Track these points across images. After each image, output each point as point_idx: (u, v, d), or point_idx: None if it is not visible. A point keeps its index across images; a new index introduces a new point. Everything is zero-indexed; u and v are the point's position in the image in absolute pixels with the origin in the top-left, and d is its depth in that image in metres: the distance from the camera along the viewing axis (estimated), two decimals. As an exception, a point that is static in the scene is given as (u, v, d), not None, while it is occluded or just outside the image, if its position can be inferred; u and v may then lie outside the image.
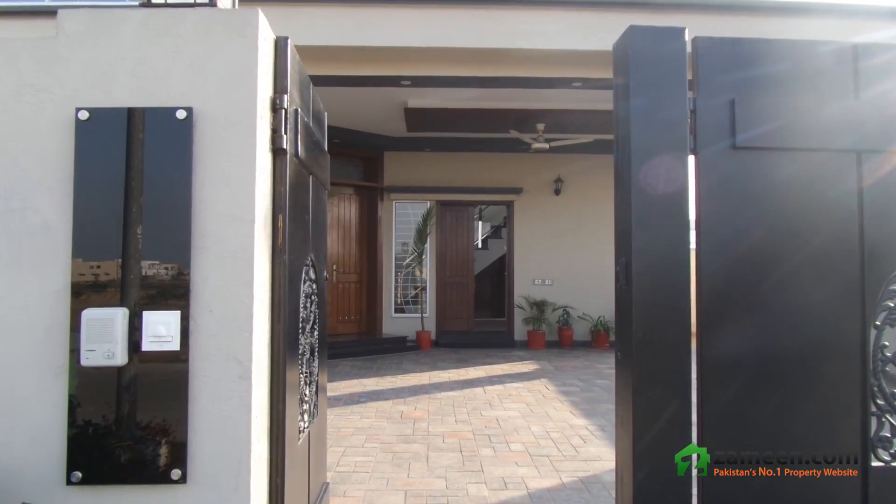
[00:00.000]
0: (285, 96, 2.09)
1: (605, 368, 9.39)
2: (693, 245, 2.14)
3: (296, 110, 2.19)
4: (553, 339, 11.94)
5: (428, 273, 12.18)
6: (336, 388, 7.84)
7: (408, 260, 12.14)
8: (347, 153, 11.84)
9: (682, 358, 2.05)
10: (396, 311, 12.14)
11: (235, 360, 1.86)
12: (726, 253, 2.11)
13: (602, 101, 9.05)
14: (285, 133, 2.08)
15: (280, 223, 2.08)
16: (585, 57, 7.27)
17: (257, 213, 1.91)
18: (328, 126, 10.73)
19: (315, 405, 2.79)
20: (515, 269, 12.28)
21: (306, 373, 2.59)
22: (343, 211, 11.87)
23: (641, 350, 2.04)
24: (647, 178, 2.08)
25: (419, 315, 12.00)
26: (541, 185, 12.26)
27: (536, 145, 10.02)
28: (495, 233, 16.56)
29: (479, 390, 7.74)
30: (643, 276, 2.05)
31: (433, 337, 11.99)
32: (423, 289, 12.16)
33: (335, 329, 11.62)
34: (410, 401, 7.09)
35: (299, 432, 2.40)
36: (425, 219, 11.93)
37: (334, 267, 11.66)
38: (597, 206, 12.19)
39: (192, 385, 1.85)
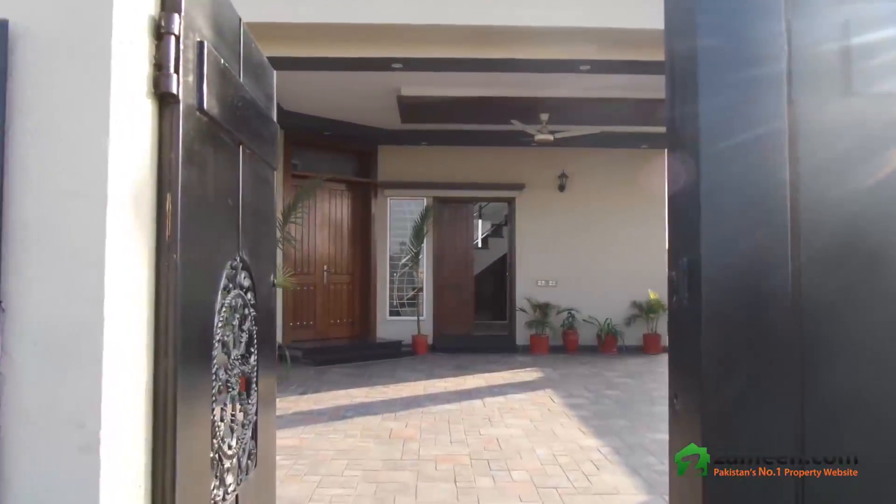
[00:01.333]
0: (176, 17, 1.39)
1: (614, 377, 8.69)
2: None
3: (200, 43, 1.50)
4: (557, 343, 11.24)
5: (425, 274, 11.49)
6: (321, 399, 7.16)
7: (404, 260, 11.44)
8: (339, 146, 11.18)
9: (786, 408, 1.35)
10: (391, 313, 11.44)
11: (74, 422, 1.17)
12: (837, 249, 1.41)
13: (611, 88, 8.37)
14: (177, 72, 1.39)
15: (168, 206, 1.39)
16: (595, 35, 6.59)
17: (113, 187, 1.22)
18: (317, 116, 9.79)
19: (252, 453, 2.10)
20: (517, 269, 11.58)
21: (235, 413, 1.90)
22: (334, 208, 11.18)
23: (717, 396, 1.34)
24: (722, 138, 1.38)
25: (415, 318, 11.30)
26: (544, 181, 11.55)
27: (540, 137, 9.31)
28: (496, 231, 15.84)
29: (477, 403, 7.05)
30: (718, 283, 1.35)
31: (430, 341, 11.28)
32: (420, 290, 11.46)
33: (326, 333, 10.95)
34: (402, 416, 6.39)
35: (216, 504, 1.70)
36: (423, 217, 11.22)
37: (325, 267, 10.97)
38: (604, 202, 11.51)
39: (3, 465, 1.15)
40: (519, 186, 11.48)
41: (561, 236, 11.50)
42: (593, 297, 11.33)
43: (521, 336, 11.39)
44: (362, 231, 11.46)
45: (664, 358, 10.84)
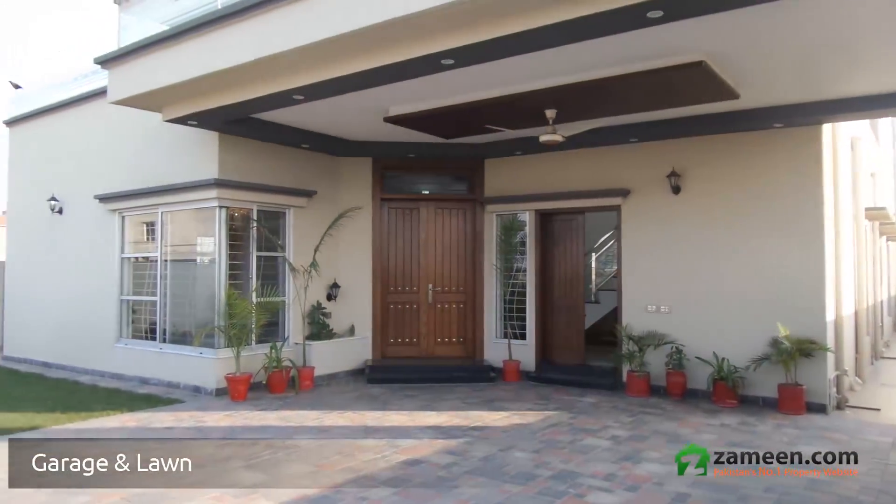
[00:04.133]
0: None
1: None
2: None
3: None
4: (660, 384, 9.01)
5: (528, 294, 10.53)
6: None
7: (500, 278, 10.75)
8: (441, 165, 11.19)
9: None
10: (502, 335, 10.80)
11: None
12: None
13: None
14: None
15: None
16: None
17: None
18: (398, 142, 10.00)
19: None
20: (624, 291, 9.65)
21: None
22: (439, 226, 11.16)
23: None
24: None
25: (523, 342, 10.48)
26: (653, 183, 9.36)
27: (546, 138, 7.85)
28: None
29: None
30: None
31: (531, 368, 10.29)
32: (523, 311, 10.57)
33: (432, 352, 11.09)
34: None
35: None
36: (507, 231, 10.44)
37: (430, 286, 11.07)
38: (730, 205, 8.82)
39: None
40: (623, 192, 9.57)
41: (676, 251, 9.17)
42: (717, 328, 8.74)
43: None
44: (468, 249, 11.14)
45: (810, 422, 7.58)
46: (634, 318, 9.45)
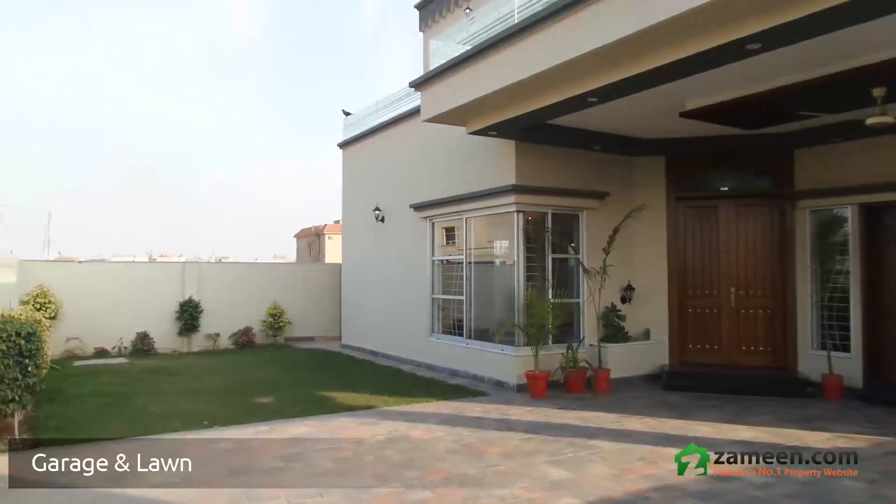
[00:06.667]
0: None
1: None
2: None
3: None
4: None
5: (852, 301, 9.22)
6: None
7: (816, 282, 9.56)
8: (742, 160, 10.39)
9: None
10: (819, 346, 9.65)
11: None
12: None
13: None
14: None
15: None
16: None
17: None
18: (685, 138, 10.15)
19: None
20: None
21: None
22: (741, 225, 10.35)
23: None
24: None
25: (846, 355, 9.25)
26: None
27: (874, 120, 6.79)
28: None
29: None
30: None
31: (857, 385, 9.01)
32: (845, 320, 9.29)
33: (734, 360, 10.35)
34: None
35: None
36: (824, 228, 9.25)
37: (732, 290, 10.35)
38: None
39: None
40: (984, 178, 7.89)
41: None
42: None
43: None
44: (776, 249, 10.13)
45: None
46: None
